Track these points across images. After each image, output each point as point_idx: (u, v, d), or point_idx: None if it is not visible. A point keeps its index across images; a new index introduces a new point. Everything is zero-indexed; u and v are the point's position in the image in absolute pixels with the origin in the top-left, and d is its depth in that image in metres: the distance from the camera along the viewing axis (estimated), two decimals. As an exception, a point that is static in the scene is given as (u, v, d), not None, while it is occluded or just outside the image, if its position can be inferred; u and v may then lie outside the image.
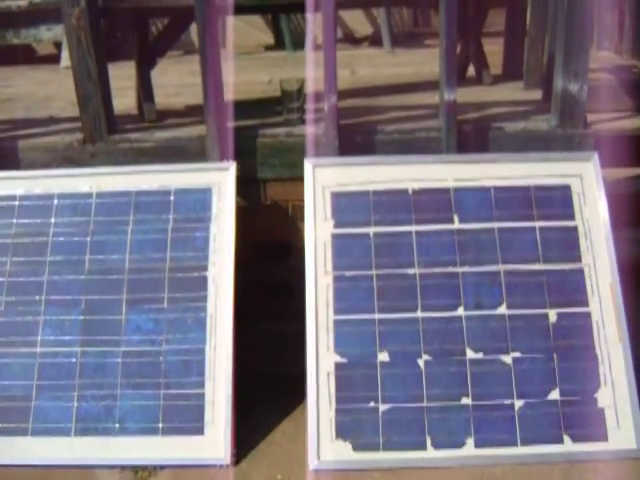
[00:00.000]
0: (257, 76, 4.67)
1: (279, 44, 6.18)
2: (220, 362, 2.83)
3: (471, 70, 4.24)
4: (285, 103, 3.30)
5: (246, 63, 5.30)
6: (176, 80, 4.64)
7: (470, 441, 2.71)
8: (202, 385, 2.82)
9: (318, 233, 2.94)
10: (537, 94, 3.70)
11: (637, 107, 3.70)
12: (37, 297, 2.99)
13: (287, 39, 5.96)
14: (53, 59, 6.12)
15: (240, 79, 4.26)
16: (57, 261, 3.03)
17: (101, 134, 3.25)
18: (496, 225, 2.95)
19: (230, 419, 2.75)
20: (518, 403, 2.76)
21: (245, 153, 3.16)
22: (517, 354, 2.81)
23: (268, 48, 6.22)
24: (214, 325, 2.88)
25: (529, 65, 3.94)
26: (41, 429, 2.83)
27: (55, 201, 3.12)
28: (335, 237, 2.94)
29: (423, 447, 2.70)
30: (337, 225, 2.96)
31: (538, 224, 2.96)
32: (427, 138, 3.15)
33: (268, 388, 3.04)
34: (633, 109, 3.68)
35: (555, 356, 2.81)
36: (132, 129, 3.40)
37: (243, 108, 3.47)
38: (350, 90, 4.01)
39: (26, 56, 6.42)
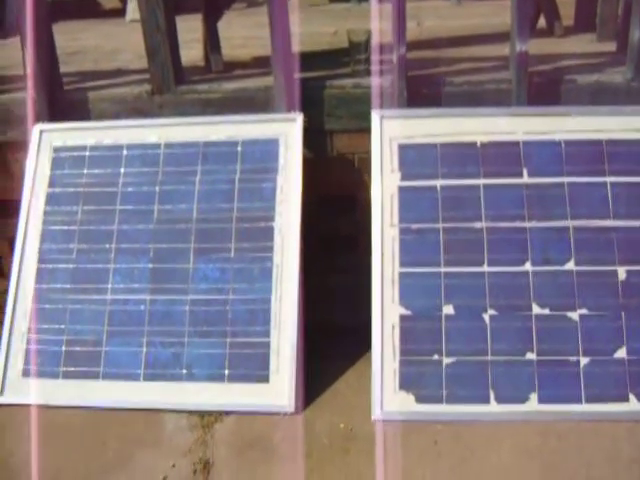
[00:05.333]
0: (322, 27, 4.63)
1: (343, -5, 6.10)
2: (286, 312, 2.86)
3: (542, 22, 4.12)
4: (352, 54, 3.27)
5: (311, 15, 5.24)
6: (241, 32, 4.62)
7: (534, 396, 2.70)
8: (267, 334, 2.86)
9: (385, 185, 2.93)
10: (611, 46, 3.58)
11: None
12: (107, 245, 3.06)
13: (352, -10, 5.87)
14: (118, 13, 6.15)
15: (305, 30, 4.22)
16: (126, 210, 3.09)
17: (169, 85, 3.27)
18: (566, 180, 2.90)
19: (294, 368, 2.79)
20: (584, 360, 2.73)
21: (312, 104, 3.15)
22: (584, 311, 2.77)
23: (332, 0, 6.15)
24: (280, 275, 2.91)
25: (603, 16, 3.80)
26: (111, 373, 2.92)
27: (124, 151, 3.17)
28: (402, 190, 2.93)
29: (486, 401, 2.70)
30: (404, 177, 2.94)
31: (609, 179, 2.89)
32: (497, 90, 3.09)
33: (333, 339, 3.07)
34: None
35: (623, 314, 2.76)
36: (199, 80, 3.41)
37: (309, 59, 3.44)
38: (417, 42, 3.94)
39: (92, 10, 6.48)
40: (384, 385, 2.74)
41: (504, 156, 2.94)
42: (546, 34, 4.00)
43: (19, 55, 3.36)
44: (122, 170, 3.14)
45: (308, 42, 3.95)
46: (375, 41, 3.31)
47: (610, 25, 3.76)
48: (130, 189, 3.12)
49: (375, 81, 3.13)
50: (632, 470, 2.47)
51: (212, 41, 3.60)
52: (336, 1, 6.01)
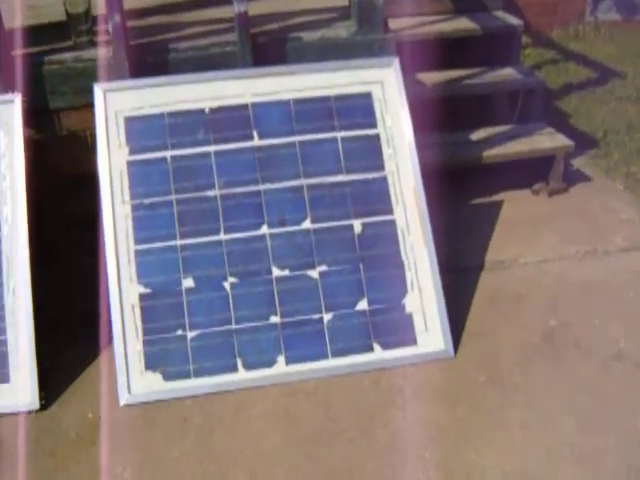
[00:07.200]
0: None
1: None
2: (20, 307, 2.71)
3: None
4: (72, 26, 3.09)
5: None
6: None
7: (281, 359, 2.71)
8: (3, 332, 2.70)
9: (113, 161, 2.80)
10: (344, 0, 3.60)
11: (443, 11, 3.70)
12: None
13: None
14: None
15: (33, 2, 3.95)
16: None
17: None
18: (297, 139, 2.89)
19: (35, 363, 2.65)
20: (327, 316, 2.76)
21: (34, 82, 2.96)
22: (324, 268, 2.80)
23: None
24: (11, 268, 2.74)
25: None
26: None
27: None
28: (131, 164, 2.82)
29: (234, 370, 2.69)
30: (132, 152, 2.83)
31: (340, 134, 2.92)
32: (222, 53, 3.03)
33: (76, 327, 2.92)
34: (439, 13, 3.67)
35: (362, 266, 2.82)
36: None
37: (35, 34, 3.23)
38: (151, 8, 3.78)
39: None
40: (130, 368, 2.66)
41: (234, 120, 2.89)
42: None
43: None
44: None
45: (39, 14, 3.70)
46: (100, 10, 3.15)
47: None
48: None
49: (96, 53, 2.98)
50: (374, 418, 2.54)
51: None
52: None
